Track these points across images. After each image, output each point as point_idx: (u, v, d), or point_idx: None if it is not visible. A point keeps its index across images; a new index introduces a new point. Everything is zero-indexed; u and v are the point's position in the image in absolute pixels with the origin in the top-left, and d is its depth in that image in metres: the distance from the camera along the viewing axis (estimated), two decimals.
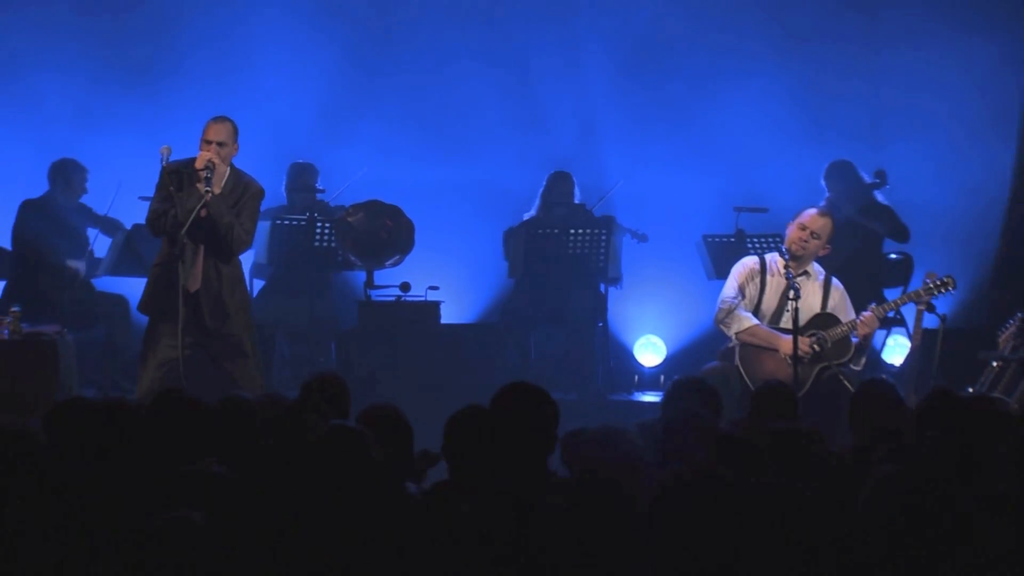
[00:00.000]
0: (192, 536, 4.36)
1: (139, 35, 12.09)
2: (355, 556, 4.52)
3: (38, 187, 11.06)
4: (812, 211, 9.47)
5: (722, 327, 9.42)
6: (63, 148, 11.33)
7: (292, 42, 12.17)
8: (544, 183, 11.45)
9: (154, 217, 8.81)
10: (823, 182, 11.03)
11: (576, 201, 11.38)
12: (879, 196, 11.03)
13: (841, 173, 11.03)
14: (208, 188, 8.65)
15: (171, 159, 8.77)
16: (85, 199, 11.19)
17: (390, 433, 5.51)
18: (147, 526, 4.47)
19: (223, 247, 8.80)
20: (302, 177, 11.46)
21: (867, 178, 11.04)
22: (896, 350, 10.86)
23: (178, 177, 8.75)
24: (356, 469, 4.85)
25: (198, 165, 8.69)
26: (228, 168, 8.83)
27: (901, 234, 11.00)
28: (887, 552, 4.44)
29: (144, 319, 9.86)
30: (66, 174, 11.00)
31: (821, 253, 9.50)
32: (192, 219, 8.61)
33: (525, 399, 5.53)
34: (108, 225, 11.15)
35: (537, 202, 11.43)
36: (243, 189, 8.88)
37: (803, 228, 9.37)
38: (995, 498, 4.76)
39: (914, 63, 12.08)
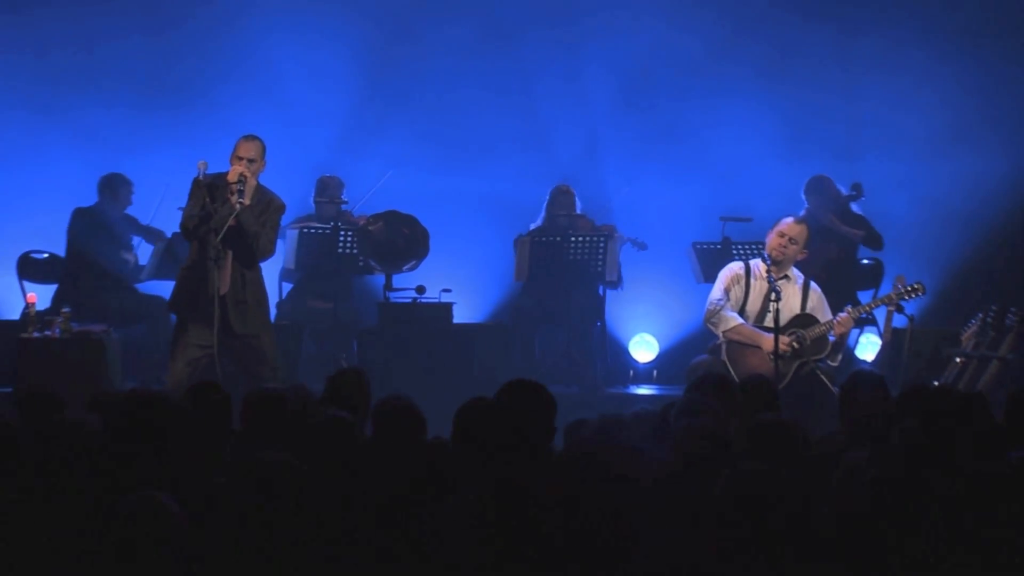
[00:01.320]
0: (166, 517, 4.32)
1: (175, 60, 12.06)
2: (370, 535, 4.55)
3: (88, 200, 11.05)
4: (789, 220, 9.51)
5: (710, 326, 9.47)
6: (109, 164, 11.33)
7: (317, 65, 12.10)
8: (548, 196, 11.42)
9: (188, 223, 8.80)
10: (803, 195, 10.95)
11: (577, 212, 11.34)
12: (855, 207, 10.96)
13: (819, 186, 10.96)
14: (240, 200, 8.65)
15: (208, 172, 8.82)
16: (130, 210, 11.19)
17: (405, 423, 5.54)
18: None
19: (250, 254, 8.83)
20: (328, 189, 11.44)
21: (844, 191, 10.97)
22: (868, 348, 10.82)
23: (212, 189, 8.76)
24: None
25: (231, 179, 8.71)
26: (256, 184, 8.86)
27: (875, 242, 10.94)
28: (855, 530, 4.43)
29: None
30: (113, 187, 10.99)
31: (799, 257, 9.54)
32: (224, 228, 8.66)
33: (526, 393, 5.53)
34: (151, 234, 11.16)
35: (542, 213, 11.39)
36: (267, 203, 8.89)
37: (782, 235, 9.42)
38: (961, 480, 4.73)
39: (887, 84, 12.02)
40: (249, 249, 8.79)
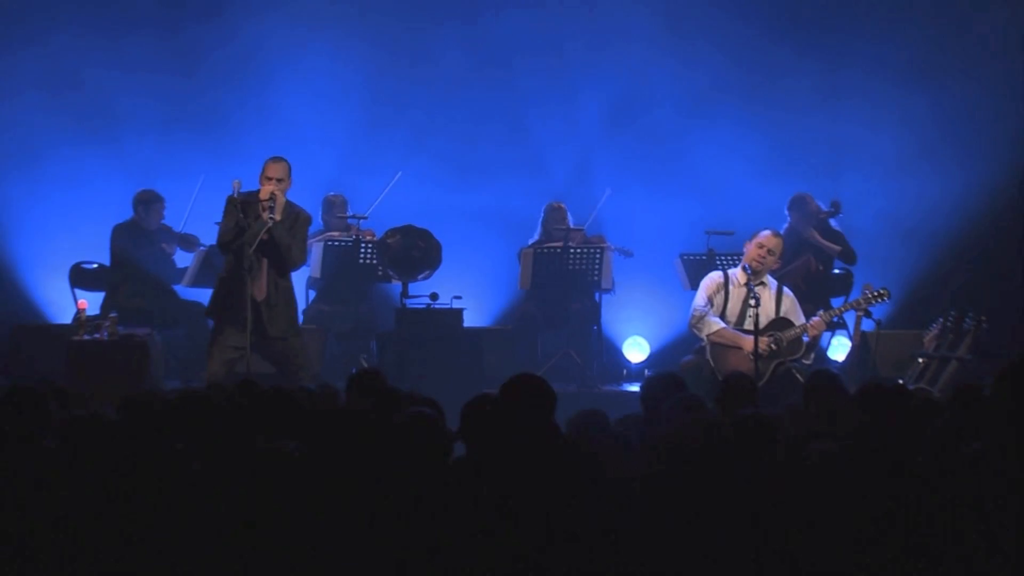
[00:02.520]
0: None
1: (199, 92, 12.01)
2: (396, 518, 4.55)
3: (125, 215, 11.04)
4: (767, 232, 9.52)
5: (695, 331, 9.48)
6: (143, 183, 11.32)
7: (324, 92, 12.05)
8: (542, 213, 11.41)
9: (225, 238, 8.85)
10: (786, 210, 10.92)
11: (573, 226, 11.29)
12: (833, 223, 10.94)
13: (801, 203, 10.91)
14: (271, 216, 8.72)
15: (242, 191, 8.84)
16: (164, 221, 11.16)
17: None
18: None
19: (283, 263, 8.88)
20: (333, 207, 11.36)
21: (823, 207, 10.94)
22: (839, 349, 10.76)
23: (245, 206, 8.80)
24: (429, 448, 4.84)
25: (262, 196, 8.77)
26: (285, 200, 8.90)
27: (850, 257, 10.90)
28: (824, 512, 4.50)
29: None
30: (146, 203, 10.94)
31: (775, 267, 9.59)
32: (258, 241, 8.72)
33: (528, 386, 5.43)
34: (186, 240, 11.13)
35: (539, 229, 11.40)
36: (295, 217, 8.94)
37: (760, 247, 9.44)
38: (918, 467, 4.78)
39: (861, 110, 11.91)
40: (282, 259, 8.84)
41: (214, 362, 8.84)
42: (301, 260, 9.10)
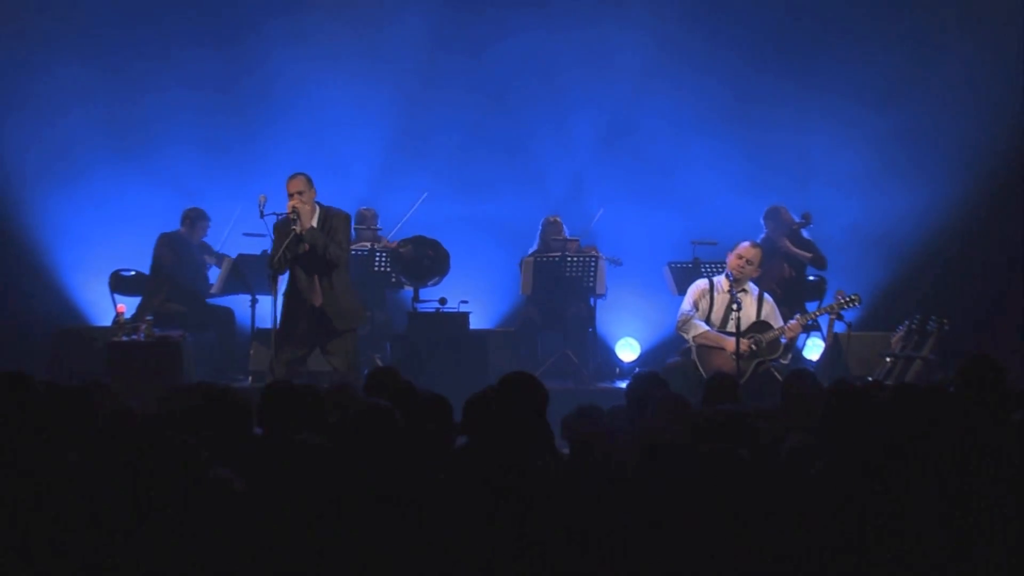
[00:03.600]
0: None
1: (236, 110, 11.96)
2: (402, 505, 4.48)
3: (165, 226, 10.97)
4: (746, 244, 9.53)
5: (682, 333, 9.51)
6: (181, 197, 11.37)
7: (353, 115, 12.04)
8: (541, 226, 11.42)
9: (274, 265, 8.81)
10: (762, 220, 10.98)
11: (568, 237, 11.30)
12: (805, 233, 10.94)
13: (775, 214, 10.96)
14: (295, 226, 8.70)
15: (267, 205, 8.81)
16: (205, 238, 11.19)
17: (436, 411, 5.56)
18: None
19: (325, 265, 8.84)
20: (365, 220, 11.41)
21: (796, 218, 10.96)
22: (814, 349, 10.77)
23: (283, 226, 8.81)
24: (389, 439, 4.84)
25: (288, 211, 8.78)
26: (314, 207, 8.85)
27: (820, 263, 10.88)
28: (796, 498, 4.49)
29: (243, 326, 9.99)
30: (192, 219, 10.95)
31: (754, 275, 9.61)
32: (293, 254, 8.74)
33: (521, 383, 5.51)
34: (220, 259, 11.10)
35: (538, 239, 11.39)
36: (331, 217, 8.90)
37: (740, 257, 9.45)
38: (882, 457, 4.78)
39: (831, 128, 11.88)
40: (323, 262, 8.81)
41: (277, 362, 8.88)
42: (343, 255, 8.97)
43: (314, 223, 8.80)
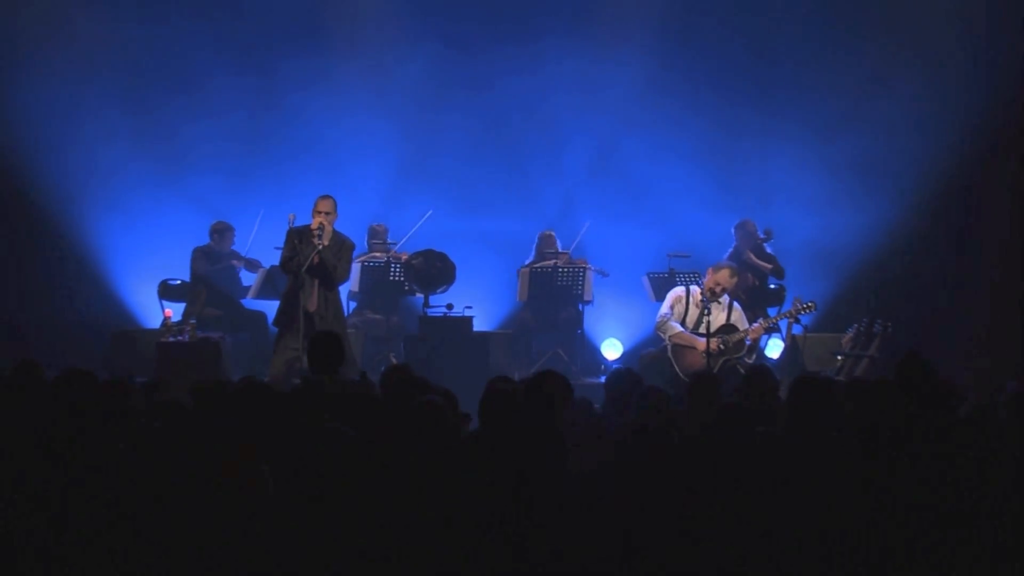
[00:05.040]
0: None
1: (262, 138, 11.96)
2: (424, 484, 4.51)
3: (200, 240, 10.99)
4: (725, 272, 9.46)
5: (659, 333, 9.57)
6: (215, 215, 11.32)
7: (366, 141, 11.97)
8: (536, 239, 11.46)
9: (284, 262, 8.93)
10: (732, 231, 11.03)
11: (560, 249, 11.37)
12: (767, 247, 11.00)
13: (743, 228, 11.02)
14: (319, 242, 8.79)
15: (296, 222, 8.89)
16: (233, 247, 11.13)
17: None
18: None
19: (330, 281, 8.90)
20: (377, 234, 11.47)
21: (760, 234, 11.01)
22: (774, 349, 10.71)
23: (300, 235, 8.87)
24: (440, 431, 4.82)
25: (313, 227, 8.80)
26: (332, 229, 8.95)
27: (780, 274, 10.90)
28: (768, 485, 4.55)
29: (273, 328, 9.91)
30: (220, 231, 10.94)
31: (726, 289, 9.63)
32: (309, 263, 8.77)
33: (552, 378, 5.53)
34: (251, 263, 11.09)
35: (533, 251, 11.45)
36: (342, 243, 8.99)
37: (716, 283, 9.40)
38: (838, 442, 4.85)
39: (793, 153, 11.82)
40: (329, 277, 8.86)
41: (276, 361, 8.85)
42: (344, 278, 9.11)
43: (328, 241, 8.85)
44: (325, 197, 8.97)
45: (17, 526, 4.19)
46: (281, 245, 9.12)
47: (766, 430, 5.08)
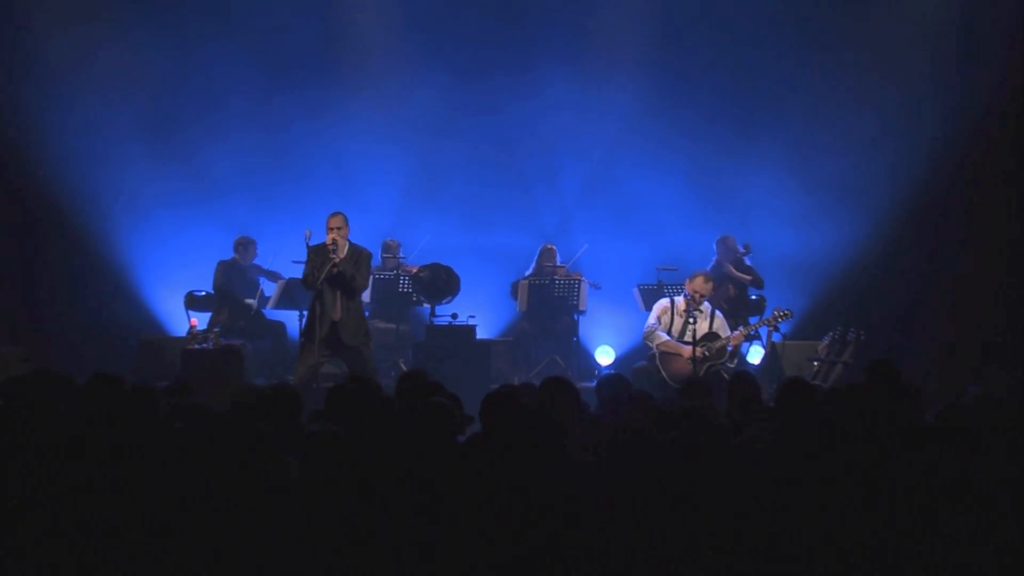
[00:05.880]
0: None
1: (283, 158, 11.95)
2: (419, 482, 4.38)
3: (224, 255, 11.11)
4: (699, 279, 9.47)
5: (647, 342, 9.56)
6: (234, 229, 11.43)
7: (379, 163, 12.00)
8: (537, 252, 11.49)
9: (306, 279, 8.89)
10: (714, 246, 11.04)
11: (559, 263, 11.39)
12: (747, 260, 10.99)
13: (724, 242, 11.01)
14: (334, 255, 8.79)
15: (312, 238, 8.83)
16: (256, 260, 11.21)
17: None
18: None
19: (351, 290, 8.88)
20: (390, 249, 11.54)
21: (740, 248, 11.03)
22: (755, 355, 10.66)
23: (318, 251, 8.84)
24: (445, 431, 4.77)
25: (328, 243, 8.84)
26: (347, 242, 8.96)
27: (759, 285, 10.90)
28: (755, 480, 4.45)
29: (292, 337, 9.93)
30: (244, 245, 11.02)
31: (705, 299, 9.65)
32: (326, 275, 8.76)
33: (560, 385, 5.49)
34: (272, 275, 11.17)
35: (533, 264, 11.47)
36: (359, 253, 8.95)
37: (695, 291, 9.41)
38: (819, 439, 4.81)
39: (772, 173, 11.76)
40: (349, 287, 8.85)
41: (301, 367, 8.85)
42: (364, 286, 9.05)
43: (343, 254, 8.85)
44: (335, 214, 8.95)
45: (44, 526, 4.12)
46: (298, 259, 9.12)
47: (756, 430, 5.07)
